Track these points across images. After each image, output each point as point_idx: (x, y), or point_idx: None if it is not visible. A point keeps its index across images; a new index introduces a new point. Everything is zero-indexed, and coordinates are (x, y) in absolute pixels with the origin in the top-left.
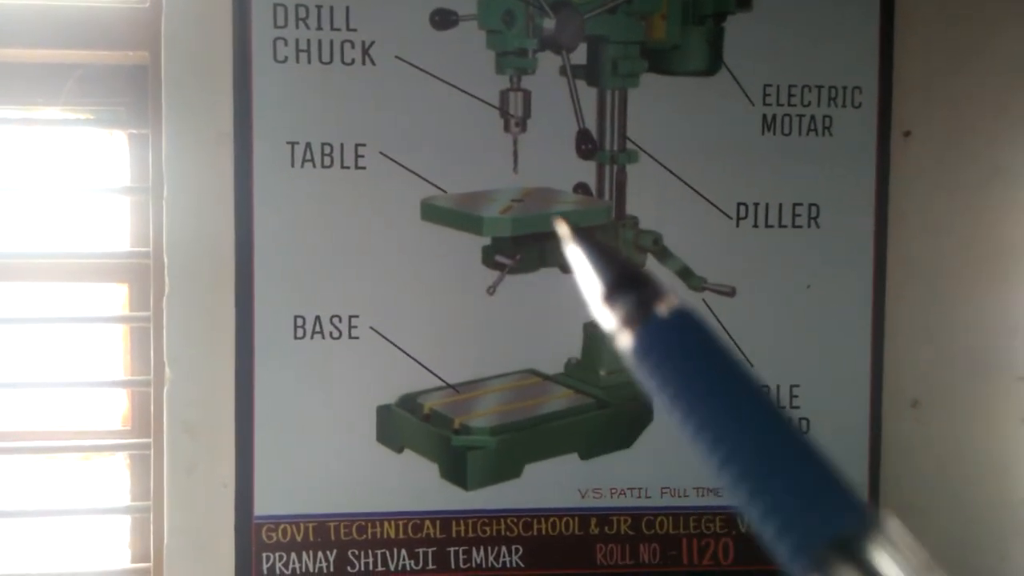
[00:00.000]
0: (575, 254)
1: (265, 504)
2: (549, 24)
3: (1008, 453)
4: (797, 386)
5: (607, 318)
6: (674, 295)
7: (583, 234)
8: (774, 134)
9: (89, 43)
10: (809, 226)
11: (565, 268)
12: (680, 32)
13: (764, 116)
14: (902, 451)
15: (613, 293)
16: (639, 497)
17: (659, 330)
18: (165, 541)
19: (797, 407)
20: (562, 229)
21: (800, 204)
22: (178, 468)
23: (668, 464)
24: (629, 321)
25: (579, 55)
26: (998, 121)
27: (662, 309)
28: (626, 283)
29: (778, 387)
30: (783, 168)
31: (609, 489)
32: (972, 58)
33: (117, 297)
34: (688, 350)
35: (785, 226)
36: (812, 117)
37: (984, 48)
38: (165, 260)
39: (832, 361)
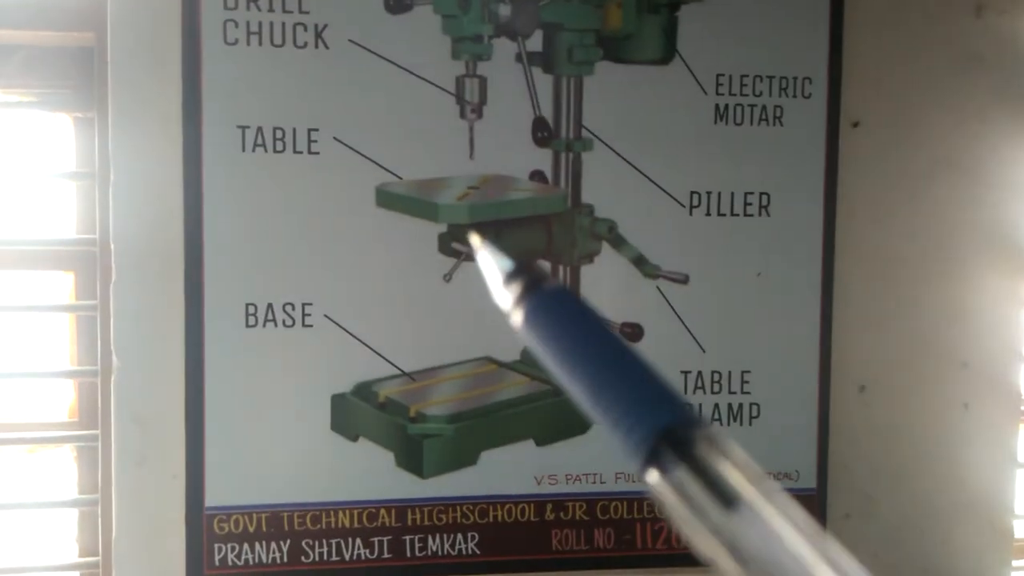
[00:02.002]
0: (483, 258)
1: (216, 495)
2: (505, 10)
3: (951, 437)
4: (748, 372)
5: (504, 301)
6: (553, 278)
7: (489, 239)
8: (726, 123)
9: (33, 23)
10: (760, 215)
11: (522, 255)
12: (635, 21)
13: (717, 105)
14: (849, 435)
15: (507, 280)
16: (594, 483)
17: (540, 304)
18: (114, 534)
19: (748, 392)
20: (475, 240)
21: (751, 193)
22: (127, 460)
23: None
24: (518, 300)
25: (535, 42)
26: (944, 112)
27: (542, 288)
28: (516, 272)
29: (729, 373)
30: (735, 157)
31: (564, 475)
32: (920, 50)
33: (63, 285)
34: (561, 316)
35: (737, 215)
36: (763, 107)
37: (931, 40)
38: (112, 247)
39: (782, 347)
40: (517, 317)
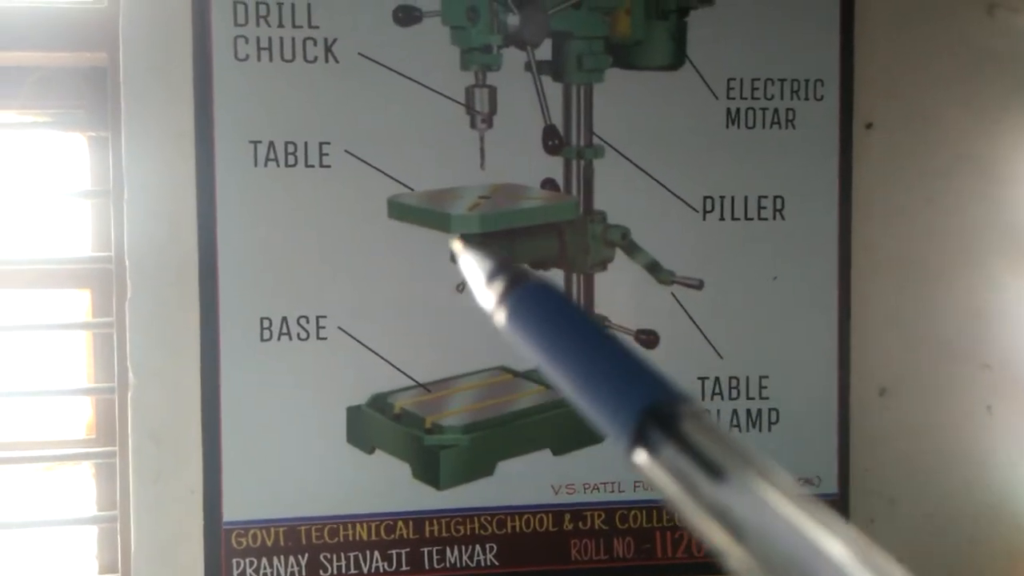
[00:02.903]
0: (466, 262)
1: (234, 510)
2: (513, 20)
3: (974, 439)
4: (766, 377)
5: (487, 301)
6: (534, 274)
7: (470, 242)
8: (738, 127)
9: (46, 45)
10: (774, 218)
11: (535, 264)
12: (644, 27)
13: (728, 110)
14: (870, 438)
15: (489, 280)
16: (612, 491)
17: (521, 300)
18: (133, 550)
19: (766, 398)
20: (456, 246)
21: (765, 196)
22: (145, 476)
23: None
24: (500, 299)
25: (544, 51)
26: (959, 111)
27: (523, 285)
28: (496, 270)
29: (747, 378)
30: (748, 161)
31: (582, 484)
32: (932, 50)
33: (80, 303)
34: (542, 310)
35: (751, 219)
36: (775, 110)
37: (944, 40)
38: (127, 264)
39: (800, 351)
40: (500, 316)
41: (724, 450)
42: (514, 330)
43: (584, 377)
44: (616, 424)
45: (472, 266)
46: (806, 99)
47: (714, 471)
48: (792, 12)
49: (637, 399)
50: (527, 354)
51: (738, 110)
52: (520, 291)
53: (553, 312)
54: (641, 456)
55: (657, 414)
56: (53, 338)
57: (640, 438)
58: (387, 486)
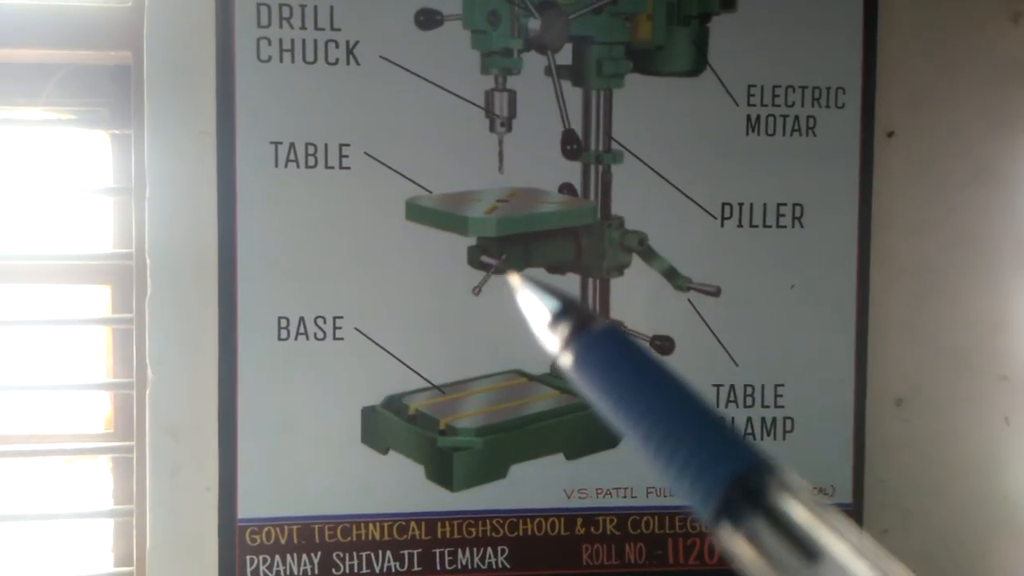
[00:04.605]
0: (525, 298)
1: (249, 507)
2: (534, 24)
3: (991, 451)
4: (782, 385)
5: (552, 343)
6: (602, 318)
7: (529, 279)
8: (758, 134)
9: (71, 43)
10: (793, 226)
11: (551, 268)
12: (665, 32)
13: (748, 116)
14: (886, 449)
15: (554, 321)
16: (625, 497)
17: (590, 345)
18: (148, 545)
19: (782, 406)
20: (514, 280)
21: (784, 204)
22: (161, 471)
23: None
24: (567, 341)
25: (564, 55)
26: (981, 121)
27: (592, 329)
28: (563, 312)
29: (762, 386)
30: (767, 168)
31: (595, 489)
32: (956, 58)
33: (100, 299)
34: (614, 358)
35: (769, 226)
36: (796, 117)
37: (967, 48)
38: (148, 261)
39: (816, 360)
40: (566, 360)
41: (816, 525)
42: (583, 378)
43: (661, 438)
44: (698, 493)
45: (533, 303)
46: (827, 107)
47: (806, 551)
48: (814, 19)
49: (722, 467)
50: (596, 403)
51: (758, 117)
52: (588, 336)
53: (626, 362)
54: (726, 529)
55: (743, 484)
56: (73, 333)
57: (725, 510)
58: (400, 487)
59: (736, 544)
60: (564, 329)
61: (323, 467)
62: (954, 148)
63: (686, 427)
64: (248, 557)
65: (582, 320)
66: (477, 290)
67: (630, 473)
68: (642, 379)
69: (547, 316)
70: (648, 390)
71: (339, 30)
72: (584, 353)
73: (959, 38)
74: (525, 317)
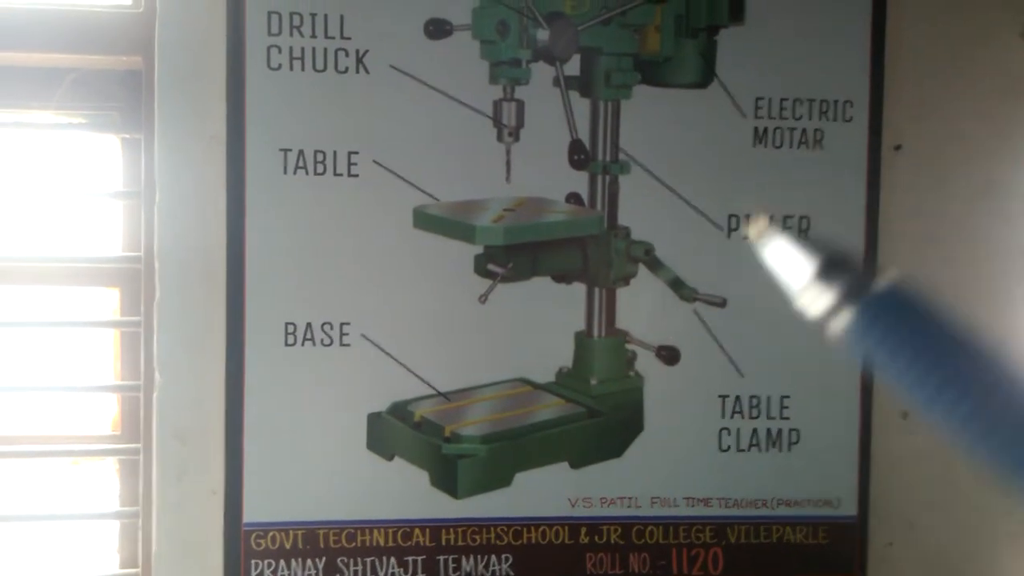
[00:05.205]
0: (773, 251)
1: (254, 511)
2: (543, 35)
3: None
4: (787, 397)
5: (820, 299)
6: (887, 269)
7: (777, 232)
8: (765, 147)
9: (83, 47)
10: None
11: (557, 277)
12: (673, 45)
13: (756, 129)
14: (891, 461)
15: (821, 276)
16: (629, 506)
17: (883, 300)
18: (154, 547)
19: (787, 418)
20: (760, 224)
21: (791, 216)
22: (168, 474)
23: (658, 474)
24: (850, 296)
25: (572, 66)
26: (988, 135)
27: (881, 281)
28: (834, 266)
29: (768, 398)
30: (774, 180)
31: (599, 498)
32: (963, 72)
33: (108, 301)
34: (911, 314)
35: None
36: (803, 130)
37: (975, 63)
38: (156, 265)
39: (822, 372)
40: (839, 320)
41: None
42: (874, 335)
43: (978, 407)
44: None
45: (789, 255)
46: (835, 120)
47: None
48: (822, 33)
49: None
50: (882, 359)
51: (766, 129)
52: (882, 292)
53: (928, 320)
54: None
55: None
56: (81, 335)
57: None
58: (405, 493)
59: None
60: (843, 284)
61: (328, 472)
62: (961, 161)
63: (1003, 403)
64: (253, 561)
65: (860, 277)
66: (484, 298)
67: (635, 482)
68: (941, 342)
69: (815, 271)
70: (952, 355)
71: (349, 39)
72: (876, 309)
73: (966, 52)
74: (774, 269)
